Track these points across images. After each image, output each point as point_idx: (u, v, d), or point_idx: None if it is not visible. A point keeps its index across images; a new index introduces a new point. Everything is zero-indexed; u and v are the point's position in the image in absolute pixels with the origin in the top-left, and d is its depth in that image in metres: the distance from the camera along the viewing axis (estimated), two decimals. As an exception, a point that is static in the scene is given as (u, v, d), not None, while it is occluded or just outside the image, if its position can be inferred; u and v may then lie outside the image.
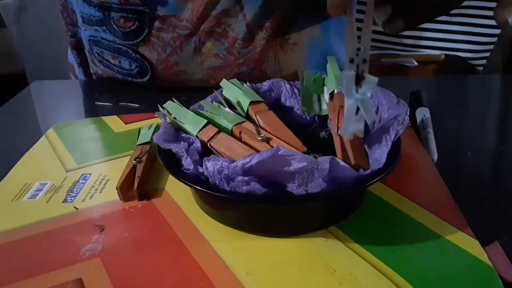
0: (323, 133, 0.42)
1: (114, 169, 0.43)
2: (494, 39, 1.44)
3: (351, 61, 0.30)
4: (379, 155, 0.32)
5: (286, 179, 0.30)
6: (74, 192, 0.39)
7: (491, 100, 0.64)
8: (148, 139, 0.45)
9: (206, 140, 0.35)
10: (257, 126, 0.37)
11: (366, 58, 0.30)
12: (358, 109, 0.30)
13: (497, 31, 1.41)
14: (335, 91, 0.42)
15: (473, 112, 0.58)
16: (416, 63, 1.47)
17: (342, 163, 0.29)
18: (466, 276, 0.28)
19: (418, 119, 0.50)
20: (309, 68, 0.66)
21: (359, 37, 0.30)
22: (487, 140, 0.50)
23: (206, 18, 0.59)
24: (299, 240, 0.32)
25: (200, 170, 0.32)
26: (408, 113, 0.35)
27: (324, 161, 0.28)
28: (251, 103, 0.40)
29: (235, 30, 0.61)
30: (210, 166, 0.31)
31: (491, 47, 1.46)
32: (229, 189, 0.30)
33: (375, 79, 0.30)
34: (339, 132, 0.33)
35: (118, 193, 0.37)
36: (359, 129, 0.31)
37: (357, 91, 0.30)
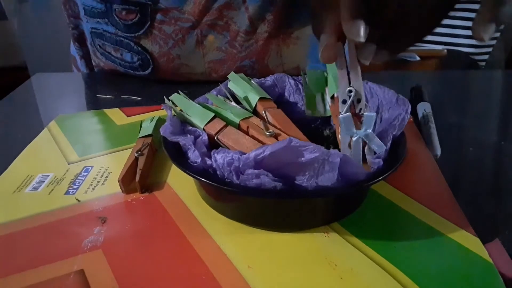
0: (327, 131, 0.42)
1: (116, 162, 0.43)
2: (497, 35, 1.43)
3: (344, 102, 0.32)
4: (381, 154, 0.33)
5: (297, 171, 0.30)
6: (76, 184, 0.39)
7: (493, 95, 0.64)
8: (150, 132, 0.45)
9: (213, 133, 0.35)
10: (264, 121, 0.37)
11: (360, 98, 0.33)
12: (364, 143, 0.32)
13: (500, 26, 1.40)
14: (335, 95, 0.42)
15: (475, 108, 0.58)
16: (418, 58, 1.47)
17: (353, 161, 0.29)
18: (467, 273, 0.29)
19: (420, 114, 0.50)
20: (311, 62, 0.66)
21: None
22: (489, 136, 0.50)
23: (208, 10, 0.59)
24: (301, 235, 0.32)
25: (208, 162, 0.32)
26: (409, 111, 0.35)
27: (335, 154, 0.28)
28: (260, 99, 0.40)
29: (237, 23, 0.60)
30: (219, 158, 0.30)
31: (494, 42, 1.46)
32: (238, 182, 0.30)
33: (373, 114, 0.31)
34: None
35: (120, 185, 0.37)
36: (370, 161, 0.32)
37: (358, 128, 0.32)
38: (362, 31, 0.27)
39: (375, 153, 0.33)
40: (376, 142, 0.32)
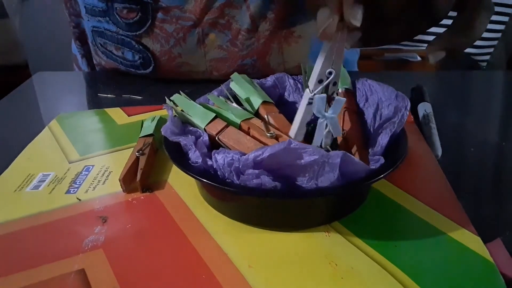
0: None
1: (117, 161, 0.43)
2: (498, 35, 1.43)
3: (320, 81, 0.33)
4: (378, 151, 0.33)
5: (297, 173, 0.30)
6: (77, 183, 0.39)
7: (494, 96, 0.64)
8: (151, 131, 0.45)
9: (214, 133, 0.35)
10: (265, 123, 0.37)
11: (337, 81, 0.33)
12: (326, 125, 0.33)
13: (501, 27, 1.40)
14: (340, 90, 0.42)
15: (476, 108, 0.58)
16: (419, 58, 1.47)
17: (354, 158, 0.29)
18: (468, 272, 0.29)
19: (420, 114, 0.50)
20: (313, 61, 0.65)
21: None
22: (490, 137, 0.49)
23: (210, 9, 0.59)
24: (302, 234, 0.32)
25: (209, 163, 0.32)
26: (409, 107, 0.35)
27: (335, 155, 0.28)
28: (263, 103, 0.40)
29: (238, 21, 0.60)
30: (220, 158, 0.31)
31: (495, 43, 1.46)
32: (238, 182, 0.30)
33: (342, 99, 0.32)
34: (313, 143, 0.35)
35: (121, 184, 0.37)
36: (326, 143, 0.34)
37: (326, 111, 0.33)
38: (359, 15, 0.27)
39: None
40: (336, 127, 0.33)
